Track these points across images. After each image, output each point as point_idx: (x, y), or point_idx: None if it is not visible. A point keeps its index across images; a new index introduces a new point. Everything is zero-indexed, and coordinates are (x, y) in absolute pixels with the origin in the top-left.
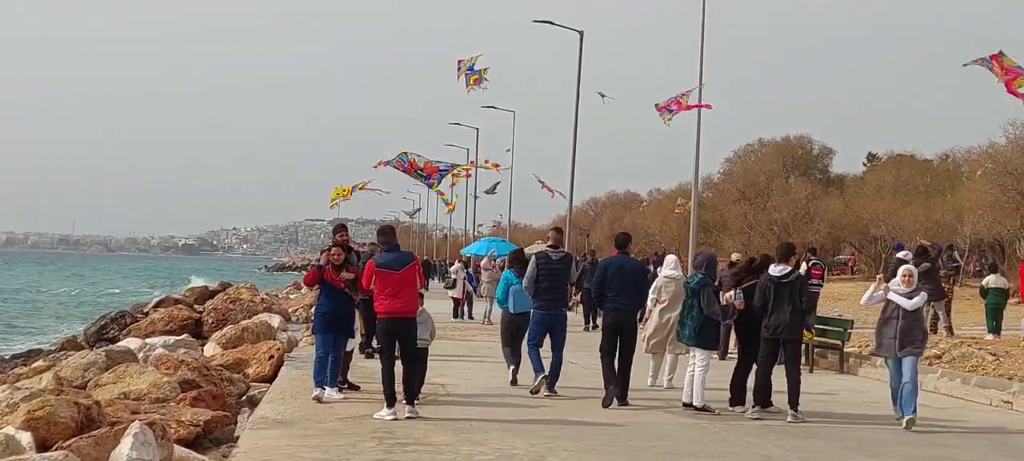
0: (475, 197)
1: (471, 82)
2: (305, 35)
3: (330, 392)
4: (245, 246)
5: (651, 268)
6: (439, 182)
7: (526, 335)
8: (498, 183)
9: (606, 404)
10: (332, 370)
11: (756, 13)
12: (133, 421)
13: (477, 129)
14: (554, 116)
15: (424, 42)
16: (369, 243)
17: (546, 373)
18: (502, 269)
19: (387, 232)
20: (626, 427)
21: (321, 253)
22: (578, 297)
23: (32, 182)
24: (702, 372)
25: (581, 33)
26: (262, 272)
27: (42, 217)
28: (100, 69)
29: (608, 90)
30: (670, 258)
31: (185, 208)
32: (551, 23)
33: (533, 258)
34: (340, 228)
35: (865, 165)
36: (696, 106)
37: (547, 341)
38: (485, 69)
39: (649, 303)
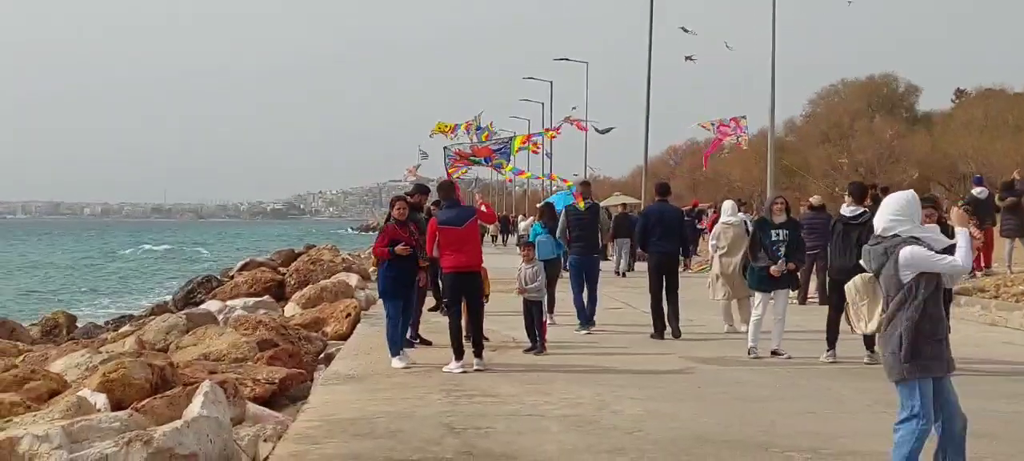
0: (548, 155)
1: (447, 131)
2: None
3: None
4: (331, 209)
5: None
6: (509, 161)
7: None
8: (612, 128)
9: (654, 336)
10: (402, 331)
11: None
12: (205, 380)
13: (551, 82)
14: (630, 65)
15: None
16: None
17: (588, 317)
18: None
19: (446, 188)
20: (694, 374)
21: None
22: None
23: (126, 155)
24: (766, 317)
25: None
26: (351, 234)
27: (136, 188)
28: (190, 45)
29: (679, 37)
30: (727, 204)
31: (273, 174)
32: None
33: (564, 210)
34: (418, 190)
35: (953, 101)
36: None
37: None
38: (467, 123)
39: (710, 250)
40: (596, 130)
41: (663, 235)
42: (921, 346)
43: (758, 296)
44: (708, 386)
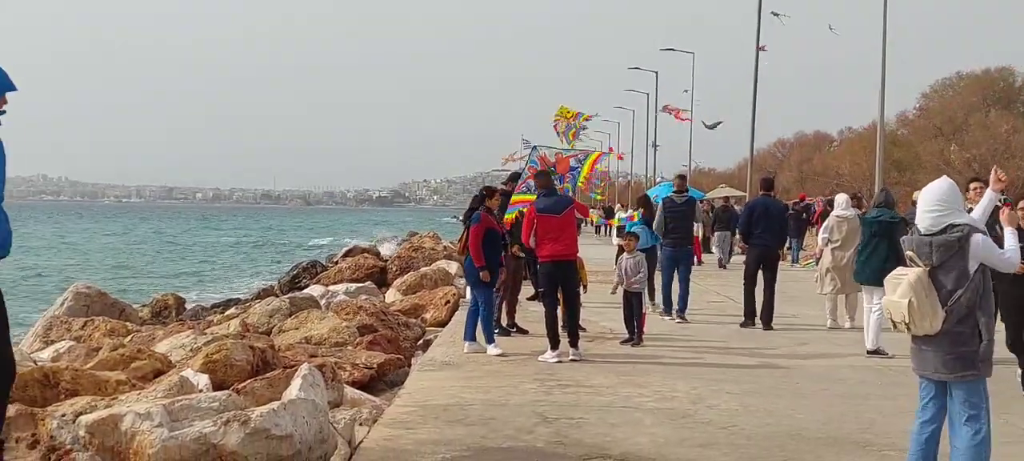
0: (654, 145)
1: (570, 136)
2: None
3: (477, 346)
4: (435, 197)
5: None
6: (574, 183)
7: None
8: (720, 122)
9: (744, 324)
10: (485, 321)
11: None
12: (303, 363)
13: (656, 73)
14: (736, 57)
15: None
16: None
17: (677, 307)
18: None
19: (544, 176)
20: (793, 370)
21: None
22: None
23: (238, 142)
24: (880, 315)
25: None
26: (454, 222)
27: (246, 174)
28: (302, 43)
29: (789, 23)
30: (841, 197)
31: (379, 162)
32: None
33: (661, 203)
34: (512, 178)
35: None
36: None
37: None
38: (586, 117)
39: (820, 243)
40: (704, 125)
41: (766, 229)
42: (992, 342)
43: (873, 292)
44: (807, 382)
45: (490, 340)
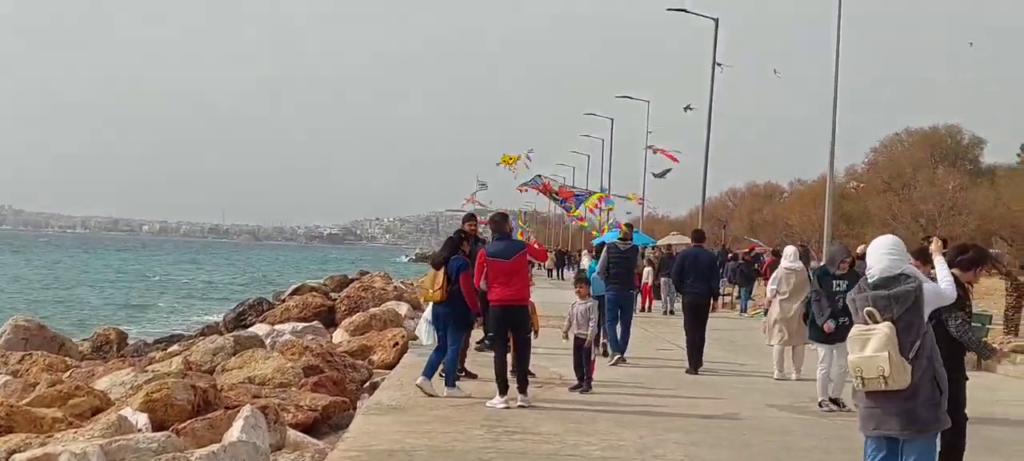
0: (609, 192)
1: (511, 163)
2: (440, 28)
3: (436, 384)
4: (387, 236)
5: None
6: (577, 207)
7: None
8: (668, 171)
9: (689, 371)
10: (450, 363)
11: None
12: (246, 404)
13: (612, 119)
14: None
15: (562, 37)
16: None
17: (621, 349)
18: None
19: (498, 220)
20: (740, 420)
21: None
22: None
23: (185, 174)
24: (832, 369)
25: (716, 21)
26: (406, 261)
27: (194, 207)
28: (246, 67)
29: (742, 78)
30: (789, 249)
31: (330, 198)
32: (685, 11)
33: (605, 248)
34: (469, 218)
35: (1019, 156)
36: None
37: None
38: (528, 153)
39: (769, 294)
40: (653, 175)
41: (697, 278)
42: (946, 394)
43: (822, 349)
44: (753, 434)
45: (452, 383)
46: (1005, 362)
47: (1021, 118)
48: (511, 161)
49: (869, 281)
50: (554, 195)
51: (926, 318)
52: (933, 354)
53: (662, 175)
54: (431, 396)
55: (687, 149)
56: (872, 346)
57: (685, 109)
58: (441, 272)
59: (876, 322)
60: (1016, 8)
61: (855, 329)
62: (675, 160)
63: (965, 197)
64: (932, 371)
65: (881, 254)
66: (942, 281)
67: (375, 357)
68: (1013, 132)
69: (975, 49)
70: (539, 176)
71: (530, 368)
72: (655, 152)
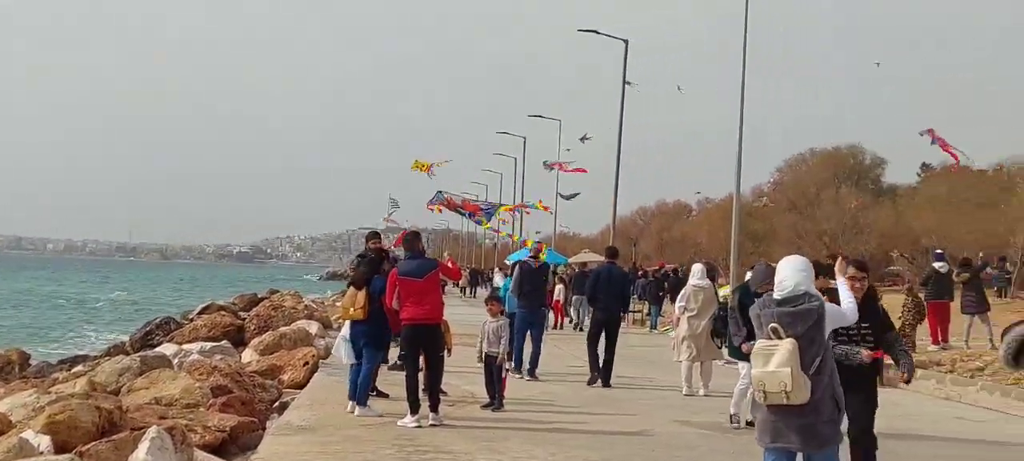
0: (521, 210)
1: (424, 169)
2: (357, 45)
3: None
4: (298, 254)
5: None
6: (488, 219)
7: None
8: (577, 194)
9: (590, 383)
10: (365, 382)
11: (809, 22)
12: (152, 425)
13: (524, 138)
14: (602, 124)
15: (472, 51)
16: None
17: (528, 366)
18: None
19: (411, 239)
20: (651, 437)
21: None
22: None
23: (90, 191)
24: (747, 386)
25: (626, 42)
26: (318, 280)
27: (100, 225)
28: (156, 77)
29: (651, 98)
30: (697, 267)
31: (240, 216)
32: (596, 32)
33: (517, 266)
34: (373, 235)
35: (919, 176)
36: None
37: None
38: (440, 162)
39: (677, 311)
40: (561, 196)
41: (608, 294)
42: (844, 410)
43: (743, 366)
44: (661, 450)
45: (364, 403)
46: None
47: (919, 139)
48: (424, 167)
49: (776, 298)
50: (459, 209)
51: (826, 337)
52: (833, 372)
53: (570, 198)
54: (378, 416)
55: (599, 168)
56: (775, 361)
57: (582, 139)
58: (362, 291)
59: (780, 338)
60: (920, 30)
61: (759, 344)
62: (582, 171)
63: (867, 215)
64: (832, 388)
65: (792, 272)
66: (845, 303)
67: (285, 376)
68: (914, 152)
69: (879, 69)
70: (441, 192)
71: (442, 386)
72: (549, 168)
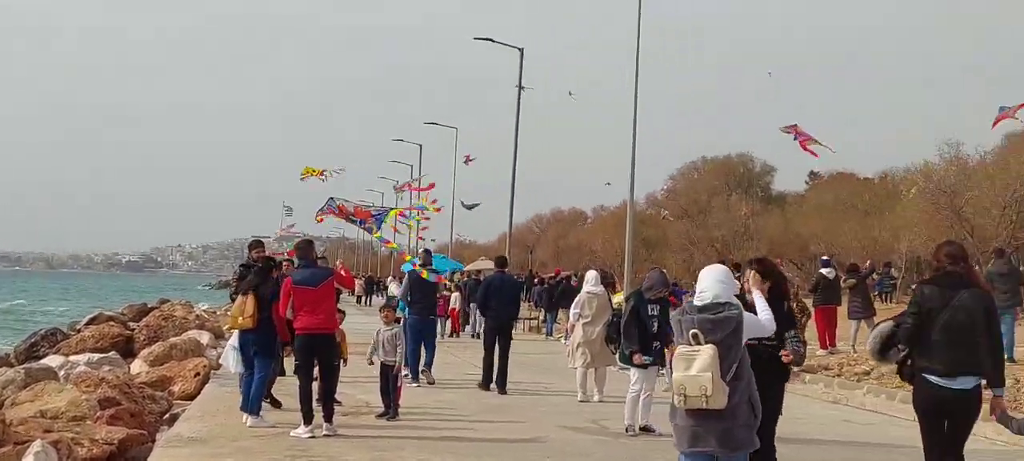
0: (416, 219)
1: (316, 174)
2: (250, 49)
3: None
4: (190, 263)
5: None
6: (378, 227)
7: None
8: (478, 204)
9: (483, 388)
10: (258, 392)
11: (700, 33)
12: (37, 439)
13: (420, 146)
14: (499, 131)
15: (367, 58)
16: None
17: (423, 368)
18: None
19: (304, 247)
20: (543, 443)
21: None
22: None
23: None
24: (639, 393)
25: (521, 50)
26: (209, 289)
27: None
28: (41, 78)
29: (547, 107)
30: (591, 274)
31: (129, 224)
32: (491, 40)
33: (407, 275)
34: (256, 244)
35: (807, 183)
36: None
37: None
38: (333, 169)
39: (572, 318)
40: (463, 206)
41: (500, 301)
42: (760, 417)
43: (634, 373)
44: (556, 456)
45: (256, 412)
46: (795, 381)
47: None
48: (316, 173)
49: (696, 304)
50: (351, 217)
51: (743, 344)
52: (750, 379)
53: (471, 207)
54: (270, 426)
55: (495, 176)
56: (697, 366)
57: (465, 161)
58: (251, 299)
59: (700, 343)
60: (809, 41)
61: (681, 349)
62: (432, 186)
63: (757, 223)
64: (748, 394)
65: (713, 281)
66: (762, 314)
67: (176, 388)
68: (802, 160)
69: (769, 79)
70: (332, 199)
71: (336, 396)
72: (399, 190)
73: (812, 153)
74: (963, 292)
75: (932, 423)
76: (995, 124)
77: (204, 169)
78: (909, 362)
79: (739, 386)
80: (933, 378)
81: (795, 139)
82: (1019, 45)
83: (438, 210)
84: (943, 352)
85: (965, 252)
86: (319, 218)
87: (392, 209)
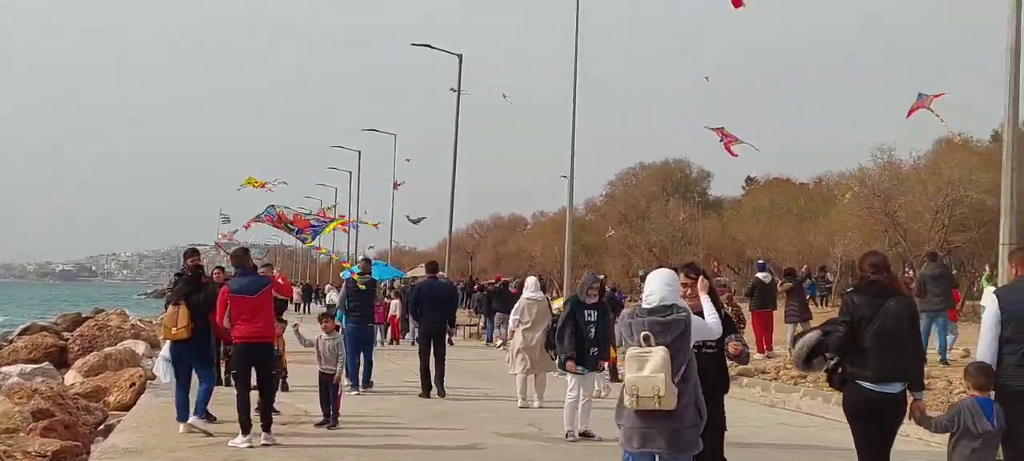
0: (355, 227)
1: (257, 186)
2: (190, 54)
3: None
4: (125, 272)
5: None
6: (313, 238)
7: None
8: (423, 217)
9: (424, 395)
10: (203, 401)
11: (638, 37)
12: None
13: (359, 152)
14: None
15: (305, 65)
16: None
17: (365, 381)
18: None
19: (240, 256)
20: (484, 450)
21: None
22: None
23: None
24: (577, 399)
25: (460, 57)
26: (145, 297)
27: None
28: None
29: (487, 113)
30: (531, 280)
31: (63, 233)
32: (430, 47)
33: (344, 283)
34: (191, 252)
35: (743, 188)
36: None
37: None
38: (275, 182)
39: (512, 324)
40: (409, 220)
41: (432, 307)
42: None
43: (571, 379)
44: None
45: (204, 414)
46: (732, 385)
47: (745, 152)
48: (258, 184)
49: (645, 308)
50: (289, 225)
51: (691, 347)
52: (697, 382)
53: (417, 221)
54: (207, 434)
55: (436, 181)
56: (650, 367)
57: (394, 186)
58: (183, 309)
59: (651, 345)
60: (737, 46)
61: (632, 351)
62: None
63: (694, 227)
64: (694, 396)
65: (660, 284)
66: (709, 318)
67: (111, 398)
68: (738, 165)
69: (707, 84)
70: (272, 206)
71: (275, 405)
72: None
73: (732, 153)
74: (890, 300)
75: (864, 426)
76: (910, 113)
77: (141, 177)
78: (840, 369)
79: (687, 388)
80: (866, 384)
81: (721, 141)
82: (950, 47)
83: (376, 226)
84: (875, 359)
85: (887, 262)
86: (247, 225)
87: (334, 220)
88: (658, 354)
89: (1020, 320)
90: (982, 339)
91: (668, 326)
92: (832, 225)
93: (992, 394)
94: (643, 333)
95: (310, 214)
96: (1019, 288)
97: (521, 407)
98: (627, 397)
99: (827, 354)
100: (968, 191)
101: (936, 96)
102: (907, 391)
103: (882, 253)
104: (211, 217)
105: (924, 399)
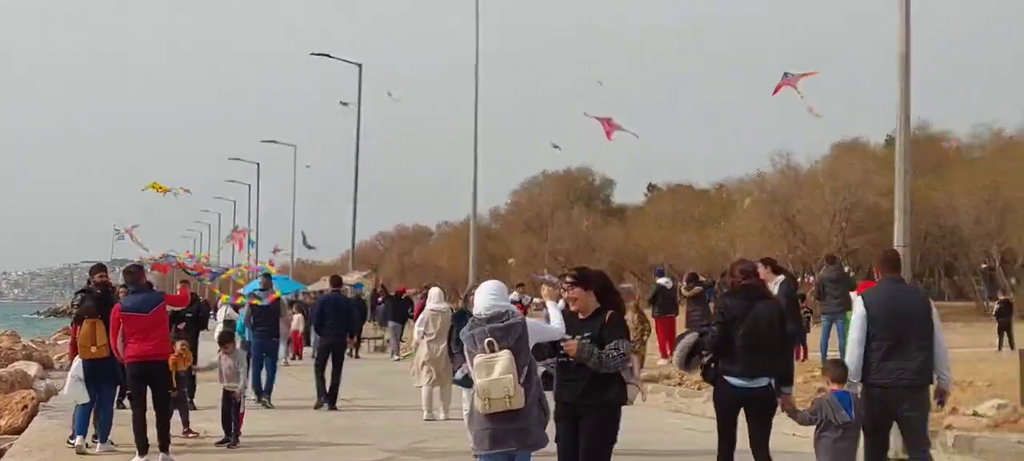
0: (251, 242)
1: (161, 191)
2: (78, 76)
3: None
4: (17, 291)
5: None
6: (212, 280)
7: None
8: (314, 248)
9: (318, 407)
10: (108, 421)
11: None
12: None
13: (258, 164)
14: (342, 149)
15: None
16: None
17: (267, 393)
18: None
19: (133, 272)
20: None
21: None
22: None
23: None
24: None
25: (359, 66)
26: (38, 317)
27: None
28: None
29: (388, 124)
30: (434, 292)
31: None
32: (329, 56)
33: (247, 305)
34: (98, 268)
35: (646, 195)
36: None
37: None
38: (180, 189)
39: (416, 336)
40: (305, 245)
41: (336, 321)
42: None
43: (465, 392)
44: None
45: (105, 438)
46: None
47: (648, 158)
48: (161, 190)
49: (483, 317)
50: (189, 271)
51: (531, 348)
52: (538, 382)
53: (311, 248)
54: (83, 454)
55: (338, 192)
56: (498, 369)
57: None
58: (100, 327)
59: (495, 351)
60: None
61: (480, 357)
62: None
63: (598, 235)
64: (538, 394)
65: (488, 295)
66: (554, 320)
67: (2, 422)
68: (641, 172)
69: (604, 89)
70: (170, 255)
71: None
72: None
73: (609, 137)
74: (759, 303)
75: (730, 418)
76: (776, 91)
77: (30, 195)
78: (713, 366)
79: (530, 388)
80: (735, 380)
81: (600, 122)
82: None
83: (272, 264)
84: (744, 356)
85: (755, 268)
86: (156, 267)
87: (229, 268)
88: (504, 357)
89: (882, 320)
90: (850, 337)
91: (508, 330)
92: (733, 230)
93: (858, 388)
94: (487, 340)
95: (209, 264)
96: (881, 290)
97: (426, 420)
98: (479, 401)
99: (703, 352)
100: (865, 194)
101: (804, 75)
102: (776, 386)
103: (751, 261)
104: (105, 232)
105: (792, 394)
